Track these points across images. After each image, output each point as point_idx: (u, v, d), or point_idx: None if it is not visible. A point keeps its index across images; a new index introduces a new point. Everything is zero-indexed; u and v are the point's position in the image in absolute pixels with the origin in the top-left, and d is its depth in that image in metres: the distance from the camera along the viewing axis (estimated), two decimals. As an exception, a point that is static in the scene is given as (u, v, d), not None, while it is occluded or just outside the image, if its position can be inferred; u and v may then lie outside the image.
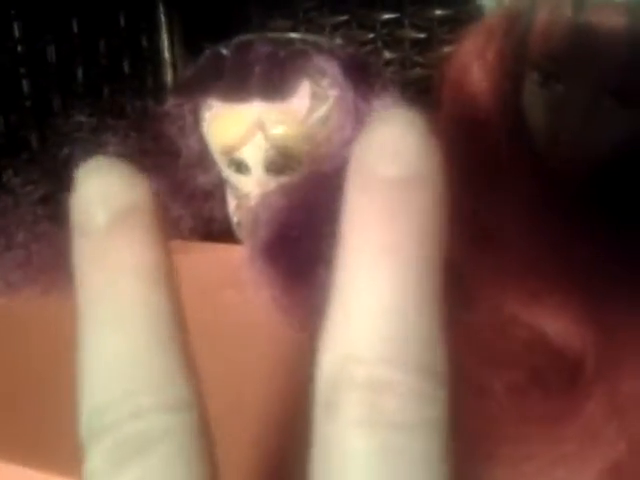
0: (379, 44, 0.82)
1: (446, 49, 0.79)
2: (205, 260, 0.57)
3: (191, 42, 1.01)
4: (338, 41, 0.66)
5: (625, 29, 0.38)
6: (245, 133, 0.55)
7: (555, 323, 0.40)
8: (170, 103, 0.57)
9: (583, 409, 0.35)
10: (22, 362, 0.49)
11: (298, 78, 0.55)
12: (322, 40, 0.57)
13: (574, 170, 0.44)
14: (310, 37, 0.56)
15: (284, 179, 0.56)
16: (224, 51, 0.56)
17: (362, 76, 0.56)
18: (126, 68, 0.99)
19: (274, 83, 0.54)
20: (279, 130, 0.55)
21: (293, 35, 0.56)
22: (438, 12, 0.79)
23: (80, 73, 0.92)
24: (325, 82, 0.56)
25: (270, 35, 0.56)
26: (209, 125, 0.57)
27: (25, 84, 0.85)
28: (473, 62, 0.46)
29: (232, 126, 0.55)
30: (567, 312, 0.39)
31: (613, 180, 0.43)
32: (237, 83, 0.55)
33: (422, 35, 0.81)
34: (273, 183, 0.56)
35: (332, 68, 0.56)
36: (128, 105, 1.00)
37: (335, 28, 0.83)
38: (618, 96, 0.41)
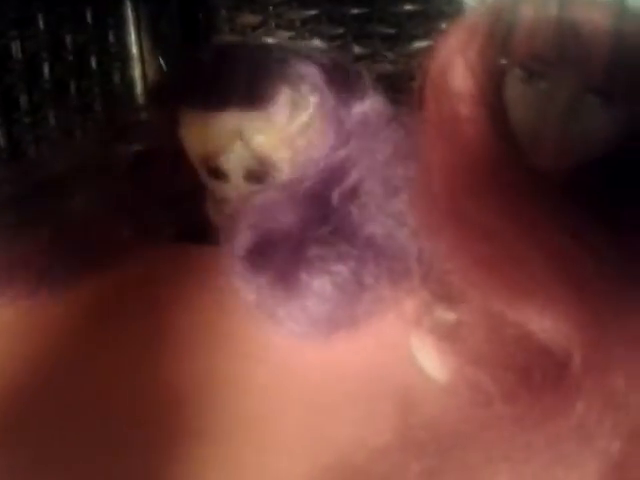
0: (349, 39, 0.81)
1: (416, 44, 0.79)
2: (186, 264, 0.56)
3: (159, 37, 1.00)
4: (314, 42, 0.65)
5: (608, 27, 0.38)
6: (224, 142, 0.54)
7: (542, 321, 0.40)
8: (148, 109, 0.56)
9: (575, 407, 0.35)
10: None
11: (278, 85, 0.55)
12: (301, 46, 0.56)
13: (558, 167, 0.44)
14: (289, 43, 0.56)
15: (264, 186, 0.55)
16: (202, 58, 0.55)
17: (342, 81, 0.56)
18: (93, 64, 0.97)
19: (253, 91, 0.54)
20: (259, 138, 0.55)
21: (272, 41, 0.56)
22: (408, 7, 0.78)
23: (46, 69, 0.90)
24: (305, 89, 0.55)
25: (249, 42, 0.55)
26: (187, 132, 0.57)
27: (-10, 81, 0.83)
28: (455, 59, 0.46)
29: (211, 134, 0.55)
30: (554, 310, 0.39)
31: (597, 176, 0.44)
32: (216, 91, 0.54)
33: (392, 30, 0.80)
34: (253, 189, 0.55)
35: (312, 74, 0.56)
36: (96, 101, 0.98)
37: (304, 23, 0.82)
38: (601, 94, 0.41)
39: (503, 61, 0.45)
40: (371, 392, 0.43)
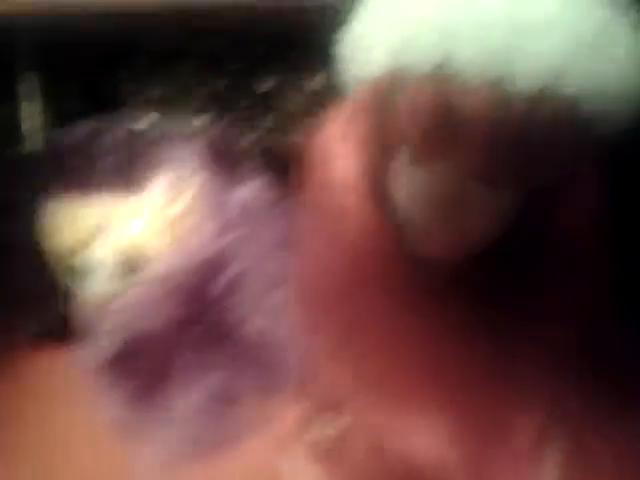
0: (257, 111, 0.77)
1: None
2: (42, 368, 0.50)
3: (61, 114, 0.95)
4: (202, 120, 0.60)
5: (488, 111, 0.35)
6: (91, 231, 0.49)
7: (421, 434, 0.37)
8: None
9: None
10: None
11: (154, 167, 0.50)
12: (183, 123, 0.52)
13: (447, 258, 0.40)
14: (169, 120, 0.51)
15: (136, 280, 0.50)
16: (68, 138, 0.50)
17: (226, 163, 0.52)
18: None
19: (125, 174, 0.49)
20: (131, 227, 0.49)
21: (150, 119, 0.51)
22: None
23: None
24: (185, 170, 0.51)
25: (123, 119, 0.50)
26: (49, 222, 0.51)
27: None
28: (337, 143, 0.42)
29: (76, 223, 0.49)
30: (435, 424, 0.37)
31: (487, 268, 0.40)
32: (82, 175, 0.49)
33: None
34: (123, 285, 0.50)
35: (192, 156, 0.51)
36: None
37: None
38: (485, 180, 0.37)
39: (385, 148, 0.41)
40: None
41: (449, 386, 0.37)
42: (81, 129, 0.51)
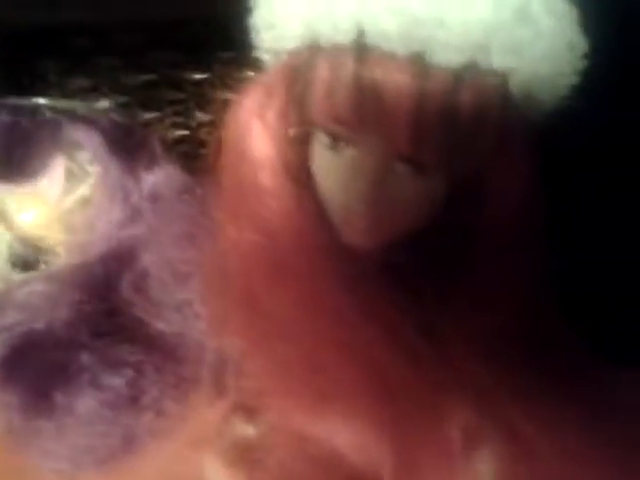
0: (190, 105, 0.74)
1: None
2: None
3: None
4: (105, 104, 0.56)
5: (411, 88, 0.33)
6: (-21, 223, 0.45)
7: (346, 433, 0.35)
8: None
9: None
10: None
11: (48, 153, 0.46)
12: (79, 106, 0.48)
13: (370, 245, 0.38)
14: (64, 103, 0.47)
15: (32, 274, 0.46)
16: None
17: (129, 148, 0.48)
18: None
19: (17, 161, 0.45)
20: (25, 217, 0.45)
21: (42, 101, 0.47)
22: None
23: None
24: (83, 157, 0.47)
25: (12, 101, 0.46)
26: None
27: None
28: (253, 123, 0.39)
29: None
30: (359, 418, 0.35)
31: (413, 255, 0.38)
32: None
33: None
34: (18, 279, 0.46)
35: (91, 140, 0.47)
36: None
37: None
38: (411, 162, 0.35)
39: (305, 124, 0.38)
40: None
41: (375, 381, 0.35)
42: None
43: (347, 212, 0.37)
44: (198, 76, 0.62)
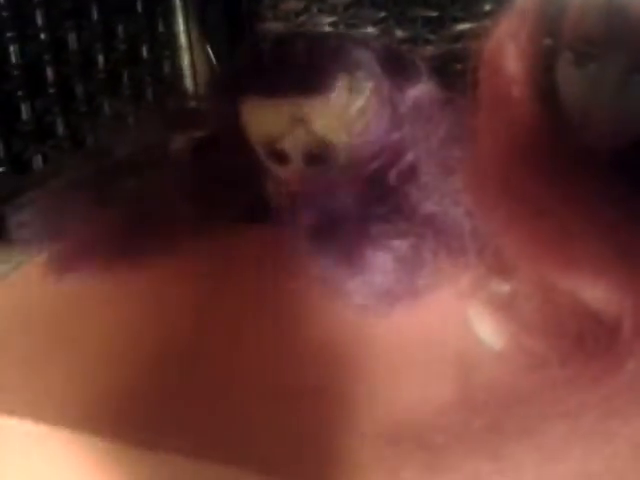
0: (391, 23, 0.83)
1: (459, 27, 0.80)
2: (250, 242, 0.60)
3: (205, 26, 1.03)
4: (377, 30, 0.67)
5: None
6: (285, 126, 0.57)
7: (593, 290, 0.42)
8: (199, 97, 0.59)
9: (625, 367, 0.38)
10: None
11: (335, 72, 0.57)
12: (356, 33, 0.59)
13: (608, 145, 0.46)
14: (344, 31, 0.58)
15: (323, 168, 0.58)
16: (263, 47, 0.58)
17: (396, 67, 0.59)
18: (144, 53, 1.00)
19: (312, 78, 0.57)
20: (318, 123, 0.57)
21: (328, 30, 0.58)
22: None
23: (101, 59, 0.94)
24: (361, 74, 0.58)
25: (306, 30, 0.58)
26: (249, 117, 0.60)
27: (49, 71, 0.86)
28: (507, 42, 0.48)
29: (272, 120, 0.58)
30: (605, 279, 0.41)
31: None
32: (276, 79, 0.57)
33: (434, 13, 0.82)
34: (312, 172, 0.58)
35: (368, 61, 0.58)
36: (147, 90, 1.02)
37: (347, 8, 0.84)
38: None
39: (553, 44, 0.47)
40: (432, 357, 0.46)
41: (617, 250, 0.41)
42: (271, 39, 0.59)
43: (588, 118, 0.46)
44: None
